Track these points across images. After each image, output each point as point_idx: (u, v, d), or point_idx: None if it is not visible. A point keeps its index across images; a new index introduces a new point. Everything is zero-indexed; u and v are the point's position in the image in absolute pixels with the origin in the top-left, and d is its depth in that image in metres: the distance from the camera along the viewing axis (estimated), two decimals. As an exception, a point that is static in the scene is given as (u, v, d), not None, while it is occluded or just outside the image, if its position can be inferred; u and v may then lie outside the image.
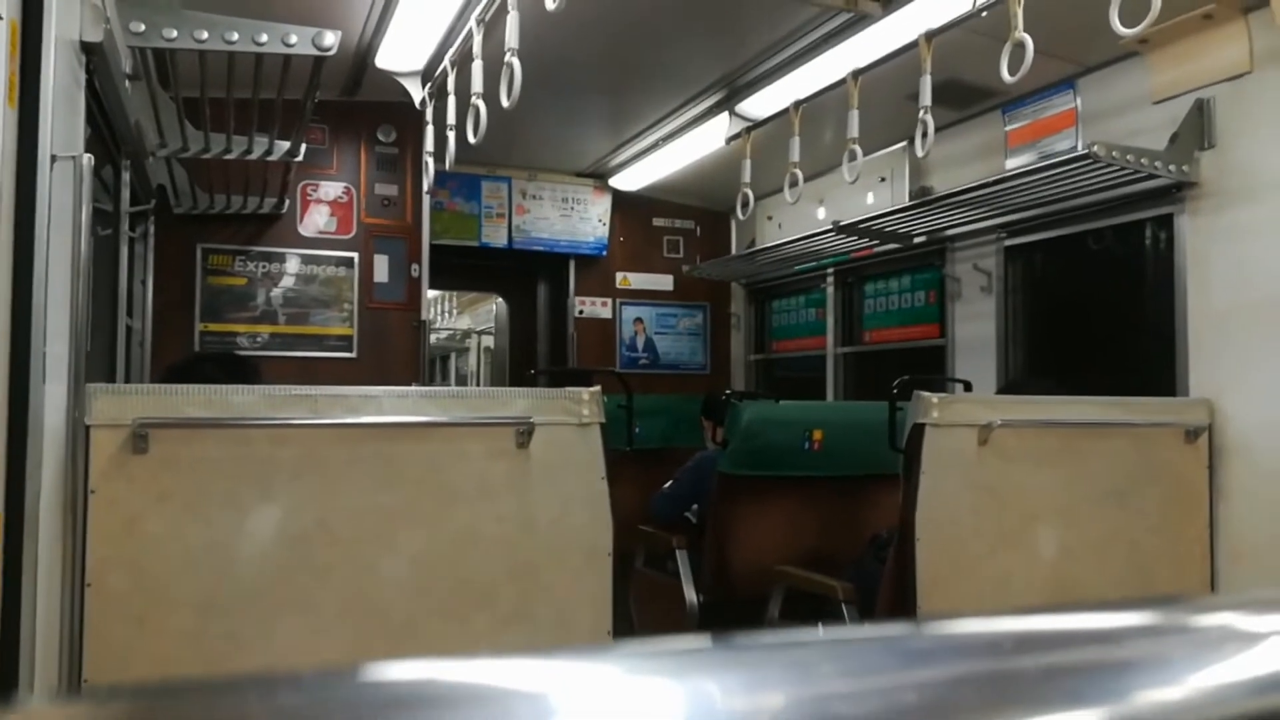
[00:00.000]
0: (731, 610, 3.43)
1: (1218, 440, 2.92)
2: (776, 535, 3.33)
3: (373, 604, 2.01)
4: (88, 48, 2.09)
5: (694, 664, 0.38)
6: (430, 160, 3.42)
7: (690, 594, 3.53)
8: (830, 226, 4.20)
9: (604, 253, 5.72)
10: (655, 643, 0.39)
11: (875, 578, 2.78)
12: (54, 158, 1.75)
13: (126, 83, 2.62)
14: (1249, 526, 2.86)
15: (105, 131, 2.75)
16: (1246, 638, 0.44)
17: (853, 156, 3.24)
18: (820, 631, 0.43)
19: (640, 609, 3.86)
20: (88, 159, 1.84)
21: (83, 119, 2.11)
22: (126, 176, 3.15)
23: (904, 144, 4.28)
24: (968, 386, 3.60)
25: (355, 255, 4.54)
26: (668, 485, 3.82)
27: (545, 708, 0.33)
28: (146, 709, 0.34)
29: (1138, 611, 0.46)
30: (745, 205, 3.92)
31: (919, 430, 2.53)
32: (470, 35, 2.79)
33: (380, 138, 4.64)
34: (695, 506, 3.70)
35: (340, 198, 4.56)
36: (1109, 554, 2.74)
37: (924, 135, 2.86)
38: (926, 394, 2.55)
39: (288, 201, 4.35)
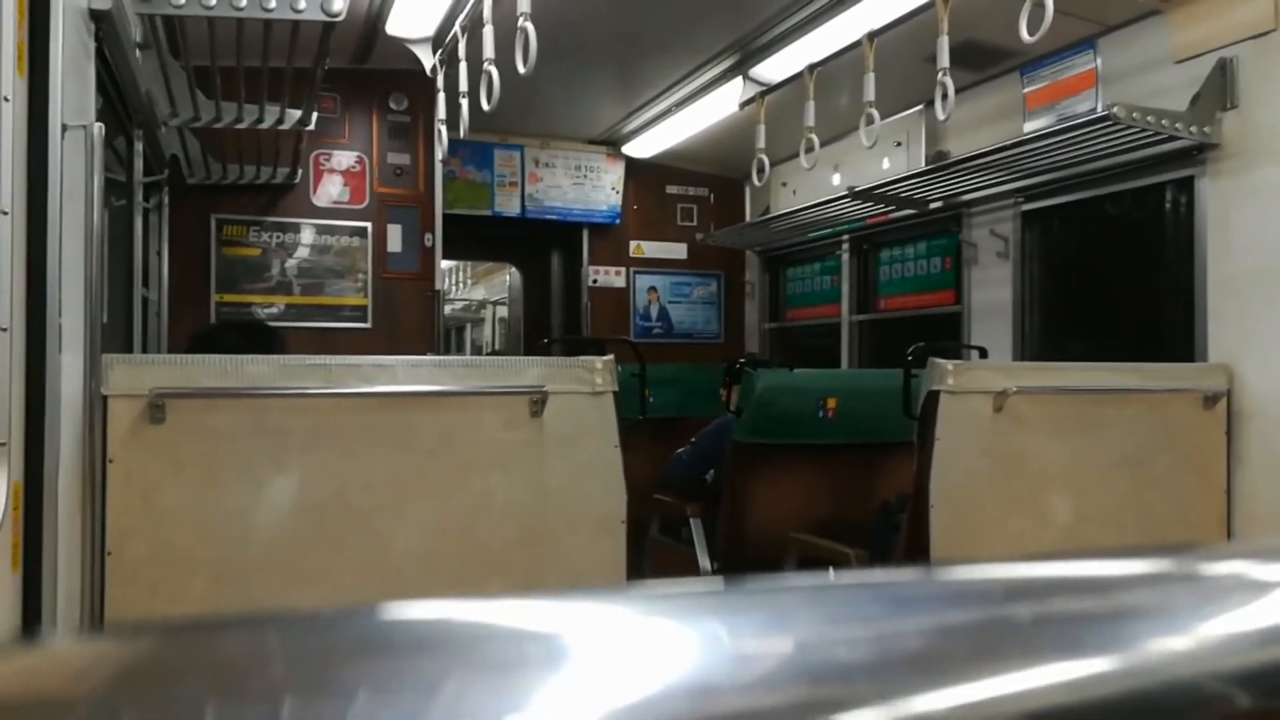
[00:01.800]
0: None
1: (1236, 405, 2.89)
2: (790, 503, 3.33)
3: (387, 572, 2.03)
4: (97, 16, 2.08)
5: (702, 606, 0.38)
6: (443, 128, 3.40)
7: (704, 561, 3.54)
8: (846, 192, 4.17)
9: (617, 221, 5.69)
10: (665, 585, 0.39)
11: (887, 544, 2.78)
12: (65, 127, 1.75)
13: (137, 51, 2.61)
14: (1267, 492, 2.84)
15: (116, 101, 2.74)
16: (1256, 586, 0.43)
17: (869, 120, 3.20)
18: (831, 575, 0.44)
19: (654, 576, 3.88)
20: (99, 128, 1.84)
21: (93, 88, 2.10)
22: (139, 146, 3.15)
23: (920, 107, 4.22)
24: (983, 353, 3.57)
25: (369, 225, 4.54)
26: (684, 450, 3.81)
27: (557, 647, 0.33)
28: (168, 645, 0.34)
29: (1144, 559, 0.46)
30: (760, 171, 3.88)
31: (934, 397, 2.52)
32: (480, 0, 2.76)
33: (392, 106, 4.61)
34: (712, 471, 3.70)
35: (353, 167, 4.55)
36: (1125, 520, 2.73)
37: (944, 97, 2.82)
38: (941, 361, 2.53)
39: (300, 171, 4.35)
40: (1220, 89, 2.92)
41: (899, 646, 0.36)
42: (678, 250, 5.87)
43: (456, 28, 3.11)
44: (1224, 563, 0.48)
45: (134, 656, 0.33)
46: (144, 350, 3.51)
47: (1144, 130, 2.87)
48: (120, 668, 0.32)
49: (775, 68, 3.99)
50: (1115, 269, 3.65)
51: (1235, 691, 0.36)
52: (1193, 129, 2.90)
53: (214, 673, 0.32)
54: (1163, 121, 2.85)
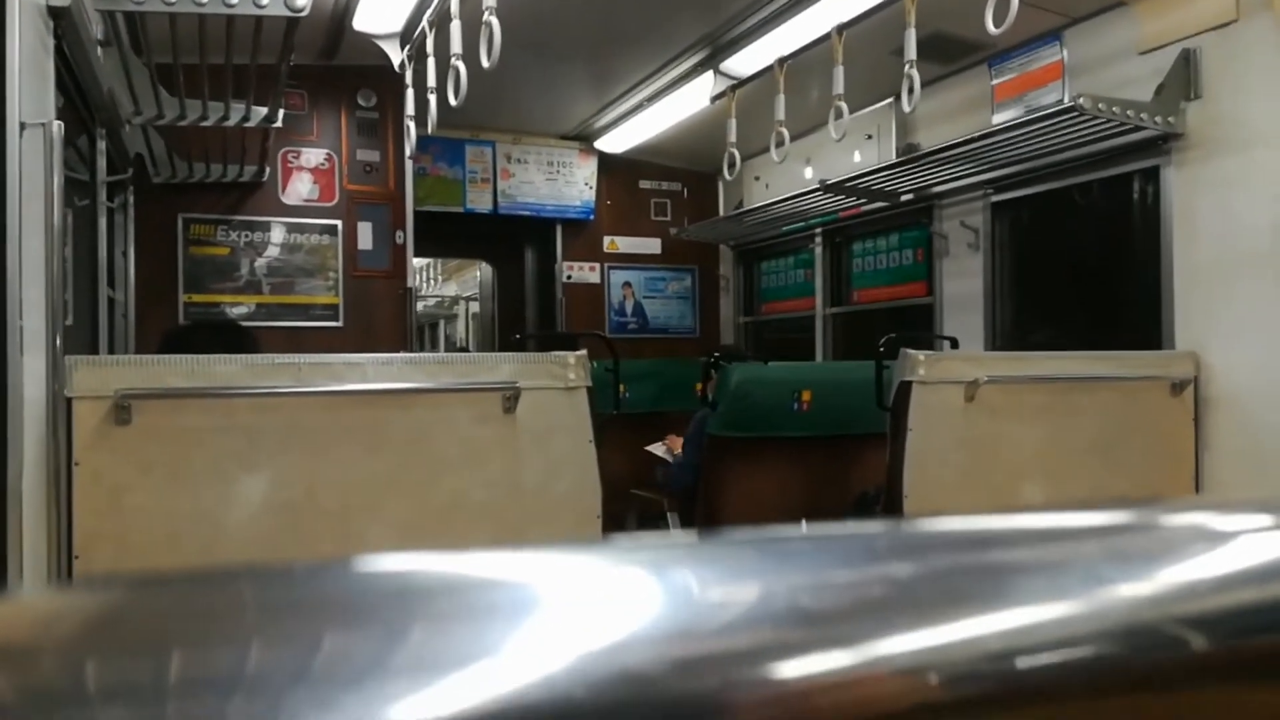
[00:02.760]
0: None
1: (1203, 393, 2.93)
2: (766, 495, 3.34)
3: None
4: (55, 12, 2.05)
5: (674, 558, 0.39)
6: (412, 124, 3.37)
7: (681, 555, 3.54)
8: (817, 186, 4.18)
9: (591, 217, 5.68)
10: (638, 538, 0.40)
11: (864, 535, 2.79)
12: (23, 125, 1.72)
13: (98, 49, 2.57)
14: (1234, 478, 2.88)
15: (78, 99, 2.70)
16: (1214, 535, 0.44)
17: (839, 114, 3.21)
18: (803, 528, 0.44)
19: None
20: (58, 126, 1.81)
21: (52, 86, 2.07)
22: (102, 145, 3.10)
23: (890, 100, 4.24)
24: (955, 344, 3.60)
25: (339, 223, 4.50)
26: (675, 459, 3.77)
27: (525, 596, 0.33)
28: (137, 596, 0.34)
29: (1105, 512, 0.46)
30: (732, 166, 3.89)
31: (906, 388, 2.53)
32: (448, -5, 2.74)
33: (361, 102, 4.58)
34: None
35: (322, 165, 4.51)
36: (1096, 507, 2.76)
37: (910, 90, 2.83)
38: (913, 352, 2.55)
39: (269, 169, 4.30)
40: (1184, 80, 2.95)
41: (865, 594, 0.36)
42: (652, 245, 5.87)
43: (424, 23, 3.09)
44: (1183, 514, 0.48)
45: (102, 607, 0.33)
46: (111, 352, 3.46)
47: (1110, 121, 2.90)
48: (87, 619, 0.33)
49: (745, 61, 3.99)
50: (1084, 259, 3.69)
51: (1194, 635, 0.37)
52: (1157, 119, 2.94)
53: (183, 622, 0.32)
54: (1128, 112, 2.88)
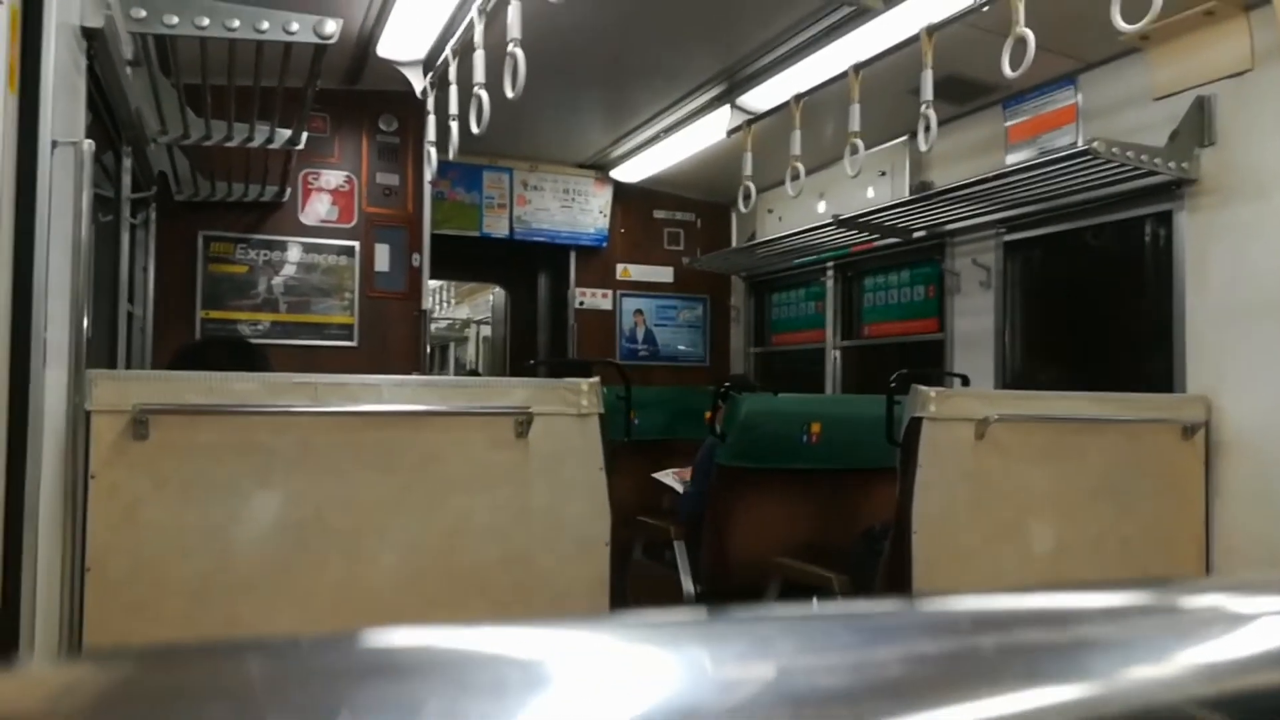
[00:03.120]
0: (728, 601, 3.44)
1: (1214, 437, 2.93)
2: (774, 527, 3.34)
3: (369, 592, 2.02)
4: (89, 33, 2.09)
5: (685, 634, 0.39)
6: (432, 150, 3.42)
7: (687, 585, 3.54)
8: (830, 220, 4.21)
9: (605, 244, 5.72)
10: (646, 614, 0.39)
11: (869, 570, 2.79)
12: (55, 143, 1.75)
13: (128, 69, 2.62)
14: (1245, 523, 2.86)
15: (106, 118, 2.75)
16: (1230, 618, 0.44)
17: (854, 150, 3.24)
18: (815, 605, 0.44)
19: (637, 599, 3.87)
20: (88, 145, 1.85)
21: (84, 105, 2.11)
22: (128, 163, 3.15)
23: (905, 138, 4.28)
24: (965, 381, 3.60)
25: (356, 244, 4.55)
26: (686, 487, 3.78)
27: (538, 673, 0.33)
28: (147, 672, 0.34)
29: (1120, 592, 0.47)
30: (746, 198, 3.92)
31: (916, 424, 2.53)
32: (472, 25, 2.79)
33: (382, 127, 4.63)
34: None
35: (341, 186, 4.56)
36: (1104, 549, 2.75)
37: (926, 129, 2.86)
38: (924, 388, 2.55)
39: (289, 190, 4.35)
40: (1198, 126, 2.97)
41: (877, 675, 0.36)
42: (664, 274, 5.90)
43: (447, 51, 3.14)
44: (1200, 596, 0.49)
45: (111, 682, 0.33)
46: (128, 366, 3.50)
47: (1123, 165, 2.92)
48: (97, 694, 0.32)
49: (762, 97, 4.04)
50: (1096, 300, 3.70)
51: (1216, 717, 0.37)
52: (1171, 164, 2.95)
53: (193, 700, 0.32)
54: (1142, 157, 2.90)
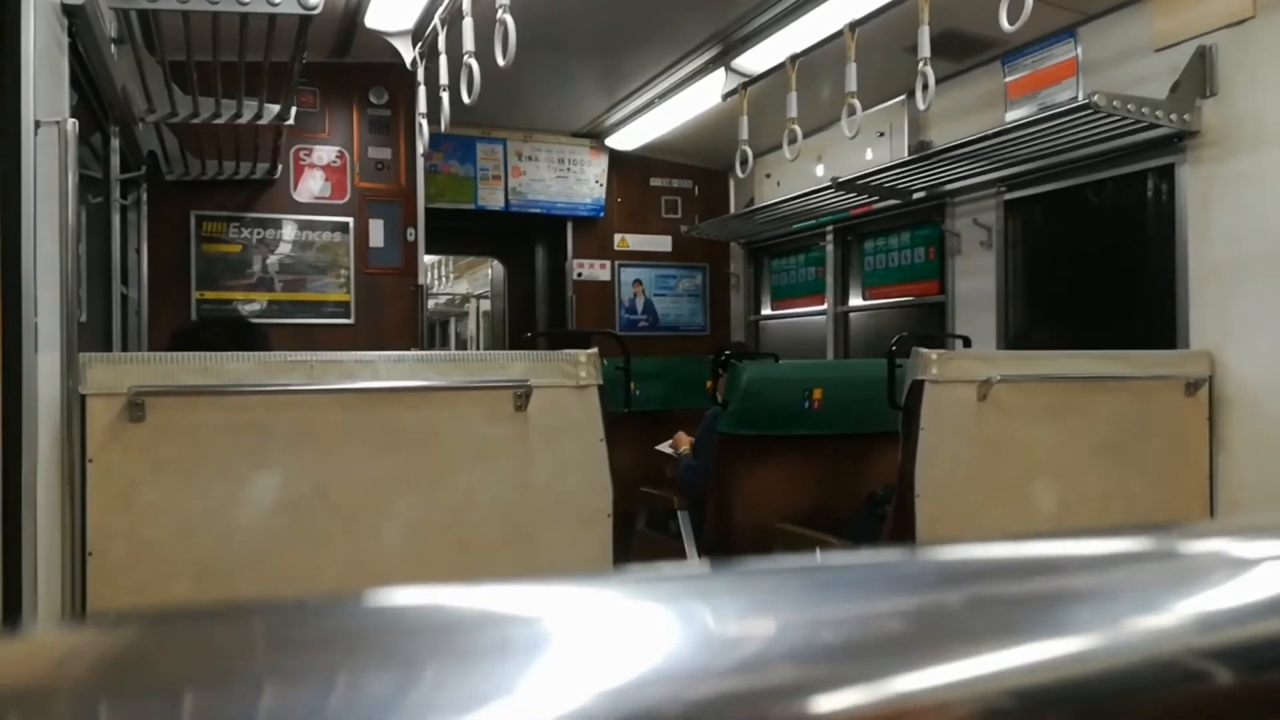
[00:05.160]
0: (733, 569, 3.44)
1: (1218, 392, 2.91)
2: (777, 494, 3.34)
3: (371, 569, 2.02)
4: (69, 10, 2.05)
5: (685, 590, 0.39)
6: (424, 122, 3.38)
7: (692, 554, 3.54)
8: (829, 183, 4.17)
9: (601, 214, 5.68)
10: (647, 569, 0.39)
11: (873, 535, 2.79)
12: (38, 123, 1.72)
13: (112, 46, 2.58)
14: (1249, 478, 2.86)
15: (92, 97, 2.71)
16: (1235, 563, 0.43)
17: (851, 111, 3.20)
18: (817, 557, 0.44)
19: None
20: (72, 124, 1.82)
21: (67, 84, 2.08)
22: (115, 143, 3.12)
23: (903, 98, 4.22)
24: (967, 342, 3.58)
25: (350, 220, 4.51)
26: (687, 459, 3.76)
27: (540, 632, 0.33)
28: (150, 634, 0.34)
29: (1125, 538, 0.46)
30: (743, 163, 3.88)
31: (918, 387, 2.52)
32: (459, -8, 2.75)
33: (372, 100, 4.58)
34: None
35: (334, 162, 4.52)
36: (1108, 507, 2.75)
37: (924, 87, 2.82)
38: (925, 350, 2.54)
39: (280, 166, 4.31)
40: (1200, 77, 2.93)
41: (881, 627, 0.36)
42: (662, 243, 5.86)
43: (436, 20, 3.09)
44: (1203, 540, 0.48)
45: (116, 645, 0.33)
46: (124, 348, 3.48)
47: (1124, 118, 2.88)
48: (102, 657, 0.32)
49: (757, 59, 3.98)
50: (1098, 257, 3.67)
51: (1216, 667, 0.36)
52: (1172, 117, 2.91)
53: (196, 660, 0.32)
54: (1143, 110, 2.86)
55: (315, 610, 0.36)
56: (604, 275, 5.76)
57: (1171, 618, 0.38)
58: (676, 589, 0.38)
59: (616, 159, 5.64)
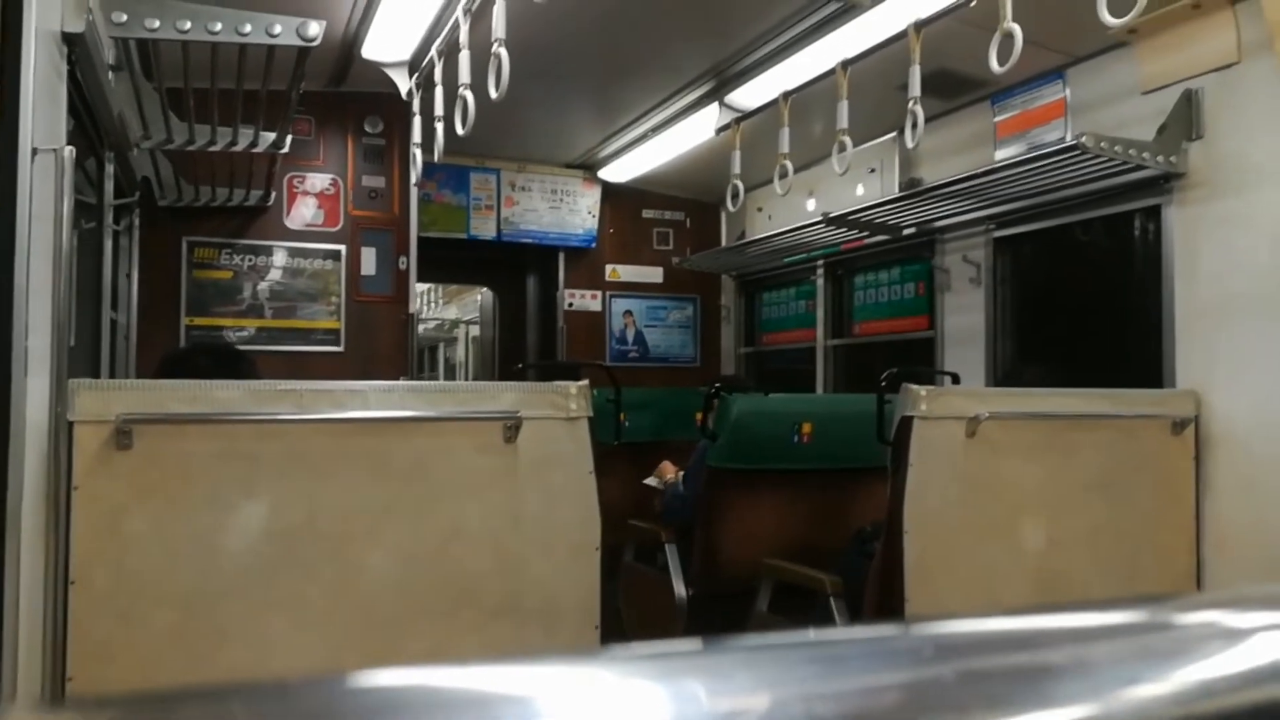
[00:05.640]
0: (720, 604, 3.43)
1: (1204, 432, 2.93)
2: (765, 528, 3.33)
3: (359, 599, 2.00)
4: (69, 39, 2.06)
5: (679, 668, 0.38)
6: (418, 152, 3.40)
7: (679, 588, 3.52)
8: (820, 218, 4.20)
9: (593, 244, 5.70)
10: (641, 647, 0.39)
11: (860, 571, 2.78)
12: (35, 150, 1.73)
13: (109, 74, 2.59)
14: (1235, 518, 2.87)
15: (88, 123, 2.72)
16: (1228, 634, 0.43)
17: (842, 148, 3.23)
18: (811, 634, 0.44)
19: (629, 603, 3.86)
20: (69, 151, 1.82)
21: (65, 111, 2.08)
22: (110, 169, 3.12)
23: (893, 135, 4.27)
24: (956, 379, 3.60)
25: (342, 248, 4.52)
26: (676, 488, 3.76)
27: (532, 713, 0.33)
28: (131, 717, 0.33)
29: (1118, 611, 0.46)
30: (735, 197, 3.91)
31: (907, 422, 2.53)
32: (457, 25, 2.77)
33: (367, 129, 4.60)
34: None
35: (327, 190, 4.53)
36: (1096, 545, 2.75)
37: (914, 126, 2.86)
38: (914, 386, 2.55)
39: (274, 194, 4.32)
40: (1186, 119, 2.97)
41: (875, 701, 0.36)
42: (654, 274, 5.89)
43: (433, 52, 3.12)
44: (1192, 613, 0.48)
45: None
46: (111, 373, 3.46)
47: (1112, 159, 2.92)
48: None
49: (750, 94, 4.03)
50: (1086, 295, 3.70)
51: None
52: (1159, 159, 2.95)
53: None
54: (1130, 151, 2.90)
55: (296, 692, 0.35)
56: (595, 305, 5.78)
57: (1158, 689, 0.38)
58: (669, 666, 0.38)
59: (609, 190, 5.67)
